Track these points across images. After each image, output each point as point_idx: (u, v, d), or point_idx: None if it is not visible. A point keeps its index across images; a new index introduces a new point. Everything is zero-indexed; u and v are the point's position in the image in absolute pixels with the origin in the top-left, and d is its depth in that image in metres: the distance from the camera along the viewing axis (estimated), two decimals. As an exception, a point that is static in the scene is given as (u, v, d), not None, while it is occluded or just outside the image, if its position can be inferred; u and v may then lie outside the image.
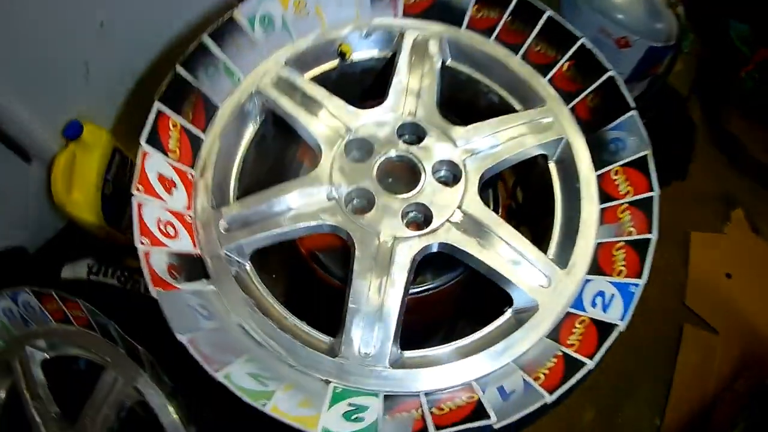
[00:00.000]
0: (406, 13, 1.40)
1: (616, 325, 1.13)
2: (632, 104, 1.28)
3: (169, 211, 1.21)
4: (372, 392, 1.11)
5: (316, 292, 1.39)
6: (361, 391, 1.11)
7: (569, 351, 1.13)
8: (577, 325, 1.17)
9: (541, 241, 1.29)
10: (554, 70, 1.35)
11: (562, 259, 1.23)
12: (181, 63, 1.27)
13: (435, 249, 1.21)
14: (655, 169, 1.25)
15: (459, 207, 1.21)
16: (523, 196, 1.58)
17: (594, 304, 1.19)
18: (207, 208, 1.23)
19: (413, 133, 1.30)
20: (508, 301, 1.22)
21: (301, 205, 1.20)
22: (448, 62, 1.38)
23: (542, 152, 1.31)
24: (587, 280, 1.21)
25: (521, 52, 1.36)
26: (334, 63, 1.39)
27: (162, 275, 1.14)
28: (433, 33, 1.36)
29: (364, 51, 1.40)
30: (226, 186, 1.29)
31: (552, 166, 1.33)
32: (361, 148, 1.28)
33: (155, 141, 1.23)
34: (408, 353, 1.18)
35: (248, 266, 1.22)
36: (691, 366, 1.99)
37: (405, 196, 1.22)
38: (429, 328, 1.49)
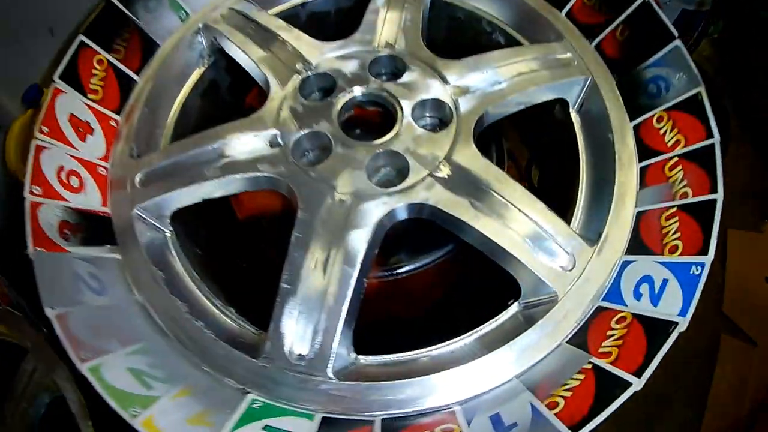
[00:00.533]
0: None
1: (674, 323, 0.57)
2: (674, 32, 0.74)
3: (76, 159, 0.72)
4: (304, 412, 0.56)
5: (255, 271, 0.85)
6: (289, 409, 0.56)
7: (603, 363, 0.57)
8: (614, 325, 0.61)
9: (562, 209, 0.72)
10: (573, 0, 0.81)
11: (591, 232, 0.68)
12: None
13: (410, 213, 0.66)
14: (711, 111, 0.70)
15: (446, 158, 0.67)
16: (541, 175, 0.99)
17: (638, 295, 0.62)
18: (126, 159, 0.74)
19: (390, 68, 0.77)
20: (514, 291, 0.67)
21: (237, 153, 0.69)
22: None
23: (560, 96, 0.76)
24: (626, 262, 0.65)
25: None
26: None
27: (49, 233, 0.65)
28: None
29: None
30: (157, 136, 0.78)
31: (574, 117, 0.77)
32: (322, 87, 0.76)
33: (72, 78, 0.75)
34: (364, 359, 0.63)
35: (168, 233, 0.71)
36: (727, 382, 1.39)
37: (374, 143, 0.69)
38: (398, 326, 0.89)
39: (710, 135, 0.69)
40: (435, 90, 0.72)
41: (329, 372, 0.58)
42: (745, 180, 1.42)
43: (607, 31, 0.79)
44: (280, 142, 0.70)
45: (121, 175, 0.73)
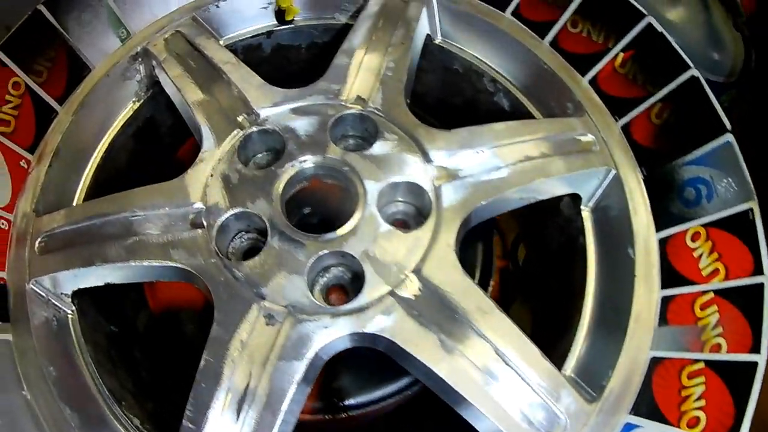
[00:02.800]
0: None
1: None
2: (727, 124, 0.50)
3: None
4: None
5: (169, 369, 0.60)
6: None
7: None
8: None
9: (553, 339, 0.52)
10: (601, 64, 0.56)
11: (590, 381, 0.46)
12: (45, 2, 0.57)
13: (358, 344, 0.45)
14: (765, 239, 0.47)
15: (416, 270, 0.45)
16: (528, 255, 0.74)
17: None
18: (29, 214, 0.52)
19: (358, 132, 0.54)
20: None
21: (149, 230, 0.48)
22: (438, 40, 0.60)
23: (572, 191, 0.53)
24: (630, 425, 0.44)
25: (553, 33, 0.58)
26: (267, 24, 0.62)
27: None
28: None
29: (314, 12, 0.63)
30: (70, 187, 0.56)
31: (586, 215, 0.54)
32: (268, 149, 0.53)
33: None
34: None
35: (69, 312, 0.50)
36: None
37: (323, 238, 0.47)
38: None
39: (759, 270, 0.46)
40: (412, 170, 0.49)
41: None
42: None
43: (641, 109, 0.54)
44: (204, 221, 0.47)
45: (22, 234, 0.51)
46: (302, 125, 0.51)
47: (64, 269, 0.48)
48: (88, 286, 0.49)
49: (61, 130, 0.56)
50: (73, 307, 0.51)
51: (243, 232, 0.50)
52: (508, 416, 0.42)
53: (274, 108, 0.52)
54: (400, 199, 0.50)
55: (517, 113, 0.59)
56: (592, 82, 0.57)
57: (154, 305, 0.57)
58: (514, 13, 0.60)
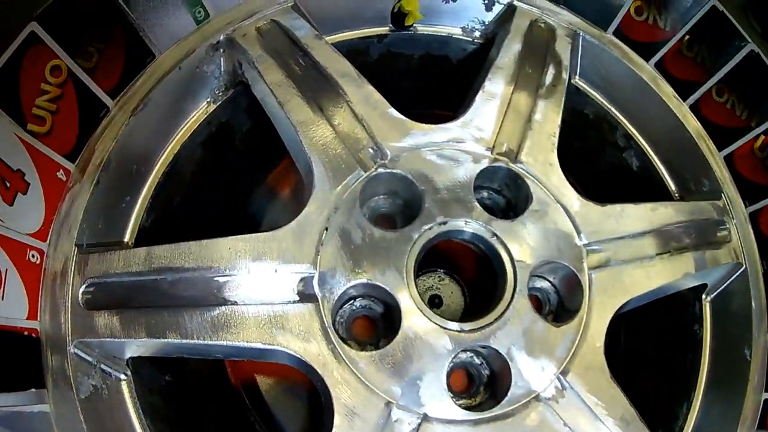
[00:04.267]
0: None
1: None
2: None
3: None
4: None
5: None
6: None
7: None
8: None
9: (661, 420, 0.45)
10: (741, 143, 0.48)
11: None
12: None
13: None
14: None
15: (563, 373, 0.36)
16: (631, 335, 0.55)
17: None
18: (70, 247, 0.38)
19: (505, 188, 0.42)
20: None
21: (244, 297, 0.35)
22: (575, 79, 0.49)
23: (702, 281, 0.45)
24: None
25: (695, 96, 0.48)
26: (381, 29, 0.48)
27: None
28: (564, 22, 0.48)
29: (439, 20, 0.48)
30: (124, 211, 0.41)
31: (707, 306, 0.46)
32: (395, 197, 0.41)
33: (8, 91, 0.37)
34: None
35: (123, 378, 0.37)
36: None
37: (467, 326, 0.35)
38: None
39: None
40: (566, 252, 0.38)
41: None
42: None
43: None
44: (316, 292, 0.35)
45: (60, 274, 0.37)
46: (440, 174, 0.38)
47: (123, 337, 0.35)
48: (152, 355, 0.37)
49: (114, 134, 0.40)
50: (128, 371, 0.38)
51: (358, 316, 0.38)
52: None
53: (405, 145, 0.39)
54: (548, 280, 0.40)
55: (646, 176, 0.49)
56: (728, 159, 0.49)
57: (235, 378, 0.44)
58: (658, 64, 0.50)
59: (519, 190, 0.40)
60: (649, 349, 0.47)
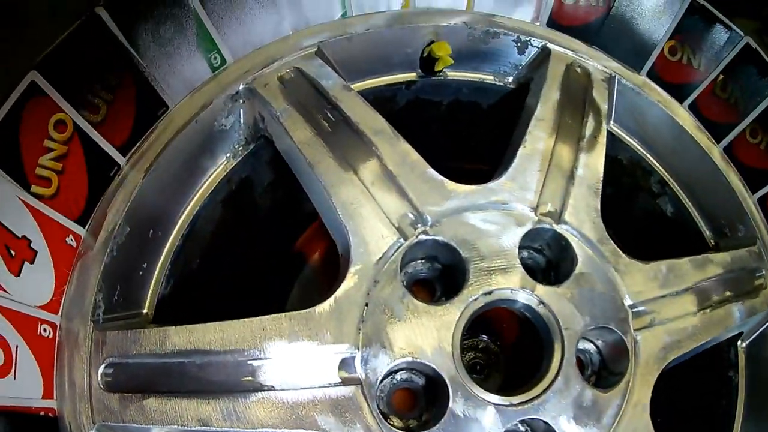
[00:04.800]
0: (557, 21, 0.46)
1: None
2: None
3: (1, 312, 0.33)
4: None
5: None
6: None
7: None
8: None
9: None
10: None
11: None
12: (105, 3, 0.35)
13: None
14: None
15: None
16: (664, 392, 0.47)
17: None
18: (85, 322, 0.34)
19: (549, 250, 0.40)
20: None
21: (280, 382, 0.32)
22: (610, 125, 0.46)
23: (740, 330, 0.45)
24: None
25: (729, 138, 0.47)
26: (410, 75, 0.44)
27: None
28: (600, 65, 0.45)
29: (470, 66, 0.45)
30: (141, 279, 0.38)
31: (742, 352, 0.46)
32: (435, 262, 0.38)
33: (8, 150, 0.33)
34: None
35: None
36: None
37: (515, 400, 0.34)
38: None
39: None
40: (612, 315, 0.37)
41: None
42: None
43: None
44: (359, 374, 0.33)
45: (76, 350, 0.34)
46: (484, 239, 0.36)
47: (150, 424, 0.32)
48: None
49: (127, 195, 0.37)
50: None
51: (399, 371, 0.36)
52: None
53: (446, 209, 0.37)
54: (592, 341, 0.39)
55: (681, 222, 0.48)
56: (761, 202, 0.48)
57: None
58: (692, 106, 0.48)
59: (564, 251, 0.39)
60: (685, 398, 0.46)
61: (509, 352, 0.41)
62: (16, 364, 0.34)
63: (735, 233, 0.46)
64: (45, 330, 0.36)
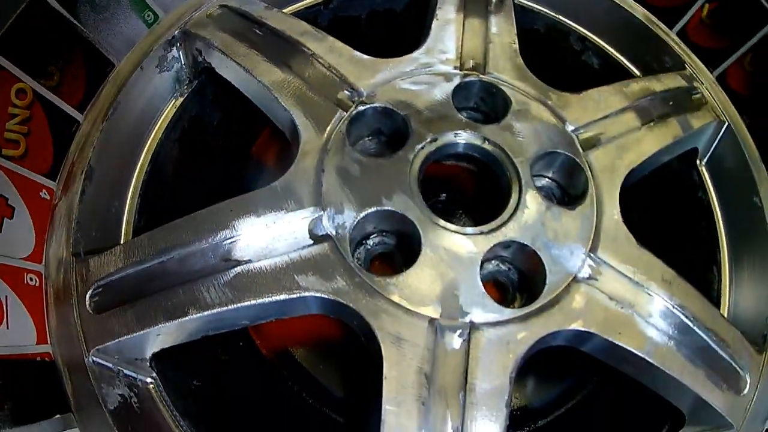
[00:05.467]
0: None
1: None
2: None
3: None
4: None
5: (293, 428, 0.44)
6: None
7: None
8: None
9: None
10: (688, 16, 0.49)
11: (749, 330, 0.40)
12: None
13: (549, 344, 0.34)
14: None
15: (592, 250, 0.35)
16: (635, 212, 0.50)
17: None
18: (67, 259, 0.36)
19: (486, 101, 0.42)
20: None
21: (254, 253, 0.33)
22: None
23: (694, 146, 0.46)
24: None
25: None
26: None
27: None
28: None
29: None
30: (114, 215, 0.40)
31: (704, 171, 0.47)
32: (381, 130, 0.40)
33: None
34: None
35: (149, 379, 0.35)
36: None
37: (485, 228, 0.35)
38: None
39: None
40: (557, 140, 0.38)
41: None
42: None
43: (732, 59, 0.48)
44: (328, 230, 0.34)
45: (63, 288, 0.35)
46: (418, 98, 0.39)
47: (140, 330, 0.32)
48: (176, 342, 0.34)
49: (90, 143, 0.39)
50: (153, 373, 0.35)
51: (373, 238, 0.37)
52: (708, 383, 0.35)
53: (378, 81, 0.39)
54: (546, 177, 0.40)
55: (610, 70, 0.50)
56: (681, 35, 0.50)
57: (265, 346, 0.41)
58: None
59: (496, 98, 0.41)
60: (664, 231, 0.47)
61: (470, 201, 0.42)
62: (7, 314, 0.36)
63: (663, 66, 0.49)
64: (31, 279, 0.37)
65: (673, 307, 0.35)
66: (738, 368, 0.37)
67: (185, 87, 0.45)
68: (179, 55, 0.44)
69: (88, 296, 0.34)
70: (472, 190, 0.42)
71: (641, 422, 0.40)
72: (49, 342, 0.35)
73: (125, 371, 0.34)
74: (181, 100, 0.44)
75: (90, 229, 0.38)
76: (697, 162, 0.47)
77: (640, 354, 0.34)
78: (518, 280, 0.37)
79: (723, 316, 0.40)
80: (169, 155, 0.43)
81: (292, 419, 0.40)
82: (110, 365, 0.34)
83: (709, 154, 0.47)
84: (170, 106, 0.44)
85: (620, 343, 0.33)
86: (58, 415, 0.34)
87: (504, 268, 0.37)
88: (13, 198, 0.38)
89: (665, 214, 0.48)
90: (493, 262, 0.36)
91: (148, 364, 0.35)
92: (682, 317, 0.35)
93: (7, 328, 0.35)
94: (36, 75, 0.39)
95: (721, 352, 0.36)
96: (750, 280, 0.43)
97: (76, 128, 0.41)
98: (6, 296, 0.35)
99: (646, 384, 0.36)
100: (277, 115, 0.39)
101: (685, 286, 0.36)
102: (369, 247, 0.37)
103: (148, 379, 0.35)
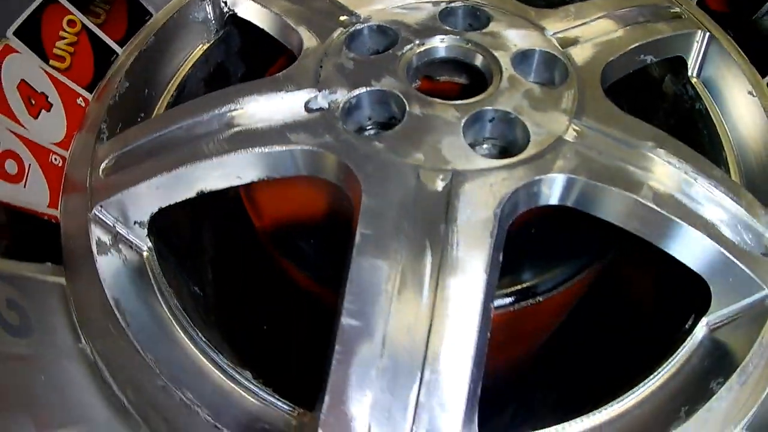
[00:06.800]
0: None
1: None
2: None
3: (20, 138, 0.39)
4: None
5: (286, 310, 0.46)
6: None
7: None
8: None
9: None
10: None
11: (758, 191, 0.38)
12: None
13: (537, 197, 0.33)
14: None
15: (576, 116, 0.36)
16: None
17: None
18: (91, 142, 0.39)
19: (469, 19, 0.46)
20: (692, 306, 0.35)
21: (256, 120, 0.36)
22: None
23: (678, 53, 0.47)
24: None
25: None
26: None
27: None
28: None
29: None
30: (141, 122, 0.44)
31: (697, 82, 0.47)
32: (376, 46, 0.44)
33: (32, 36, 0.43)
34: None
35: (145, 248, 0.36)
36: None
37: (468, 101, 0.37)
38: (512, 388, 0.51)
39: None
40: (535, 40, 0.42)
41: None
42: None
43: None
44: (323, 104, 0.36)
45: (82, 168, 0.38)
46: (408, 17, 0.43)
47: (142, 180, 0.34)
48: (174, 200, 0.35)
49: (125, 70, 0.45)
50: (149, 243, 0.36)
51: (367, 118, 0.39)
52: (721, 234, 0.33)
53: (374, 9, 0.44)
54: (533, 70, 0.42)
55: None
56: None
57: (260, 221, 0.41)
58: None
59: (478, 16, 0.44)
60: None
61: (457, 96, 0.43)
62: (27, 176, 0.40)
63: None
64: (56, 159, 0.41)
65: (669, 162, 0.34)
66: (753, 224, 0.34)
67: (212, 36, 0.51)
68: (208, 9, 0.51)
69: (102, 165, 0.37)
70: (459, 90, 0.44)
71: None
72: (59, 206, 0.37)
73: (122, 233, 0.35)
74: (207, 45, 0.51)
75: (115, 126, 0.42)
76: (689, 75, 0.48)
77: (640, 200, 0.32)
78: (503, 147, 0.37)
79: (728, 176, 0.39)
80: (194, 91, 0.49)
81: (279, 304, 0.38)
82: (109, 221, 0.35)
83: (698, 67, 0.48)
84: (198, 49, 0.51)
85: (616, 189, 0.32)
86: (49, 263, 0.35)
87: (487, 135, 0.37)
88: (53, 96, 0.43)
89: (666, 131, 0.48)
90: (475, 126, 0.36)
91: (144, 230, 0.36)
92: (682, 173, 0.34)
93: (24, 186, 0.38)
94: (85, 12, 0.47)
95: (733, 203, 0.34)
96: (759, 174, 0.42)
97: (115, 58, 0.48)
98: (30, 164, 0.38)
99: (657, 244, 0.33)
100: (287, 36, 0.45)
101: (679, 144, 0.36)
102: (377, 123, 0.39)
103: (144, 248, 0.36)
